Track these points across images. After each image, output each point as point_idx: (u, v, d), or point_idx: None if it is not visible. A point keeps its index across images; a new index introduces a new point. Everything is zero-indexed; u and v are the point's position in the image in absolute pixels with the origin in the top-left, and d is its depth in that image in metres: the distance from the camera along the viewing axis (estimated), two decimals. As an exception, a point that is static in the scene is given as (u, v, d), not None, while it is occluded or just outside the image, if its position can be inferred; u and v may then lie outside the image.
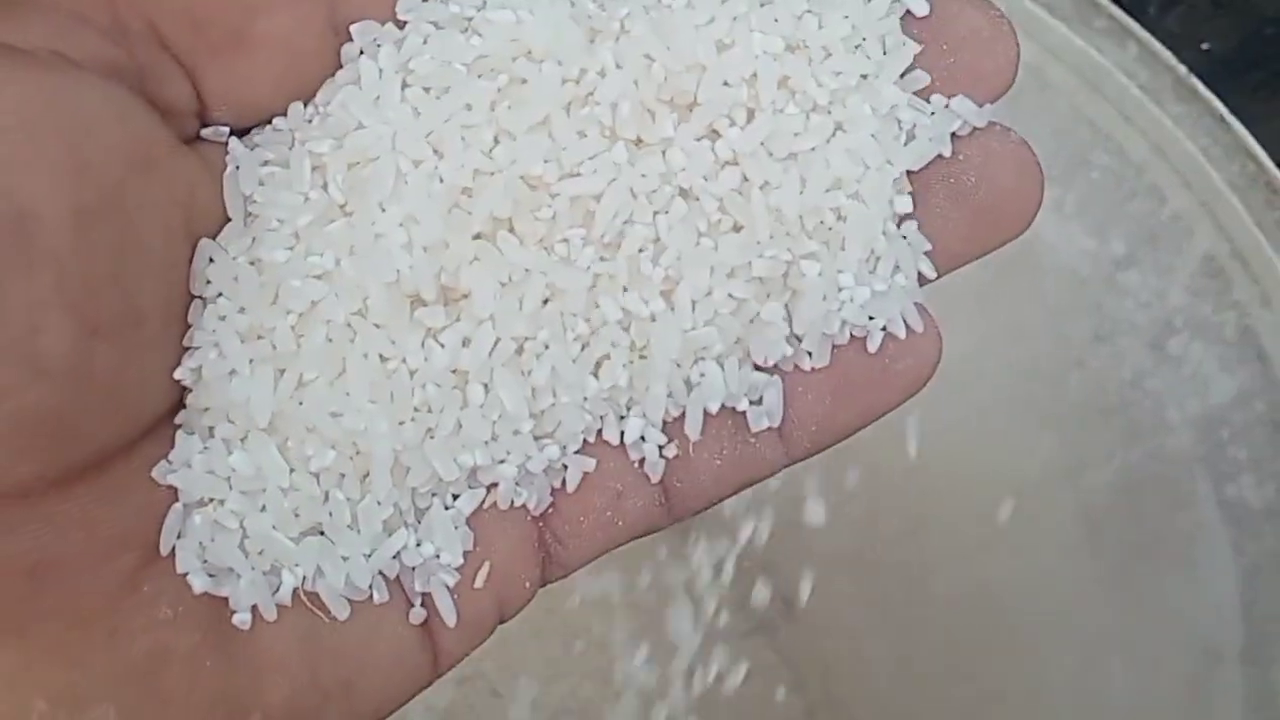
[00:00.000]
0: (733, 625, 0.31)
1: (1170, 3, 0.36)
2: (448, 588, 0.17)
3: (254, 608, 0.17)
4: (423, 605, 0.17)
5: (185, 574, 0.16)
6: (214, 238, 0.17)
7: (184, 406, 0.17)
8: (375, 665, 0.17)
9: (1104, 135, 0.32)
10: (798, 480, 0.29)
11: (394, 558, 0.17)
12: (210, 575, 0.16)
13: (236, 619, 0.16)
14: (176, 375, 0.16)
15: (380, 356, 0.17)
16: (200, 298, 0.17)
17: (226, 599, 0.16)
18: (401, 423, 0.17)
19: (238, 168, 0.17)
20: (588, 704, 0.32)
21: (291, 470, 0.17)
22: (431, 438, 0.17)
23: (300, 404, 0.17)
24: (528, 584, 0.18)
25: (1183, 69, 0.32)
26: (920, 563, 0.33)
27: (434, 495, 0.18)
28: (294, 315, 0.17)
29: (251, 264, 0.17)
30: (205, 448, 0.17)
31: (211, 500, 0.17)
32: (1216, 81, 0.32)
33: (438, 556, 0.17)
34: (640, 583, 0.30)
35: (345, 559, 0.17)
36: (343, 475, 0.17)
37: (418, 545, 0.17)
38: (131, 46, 0.16)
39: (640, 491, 0.18)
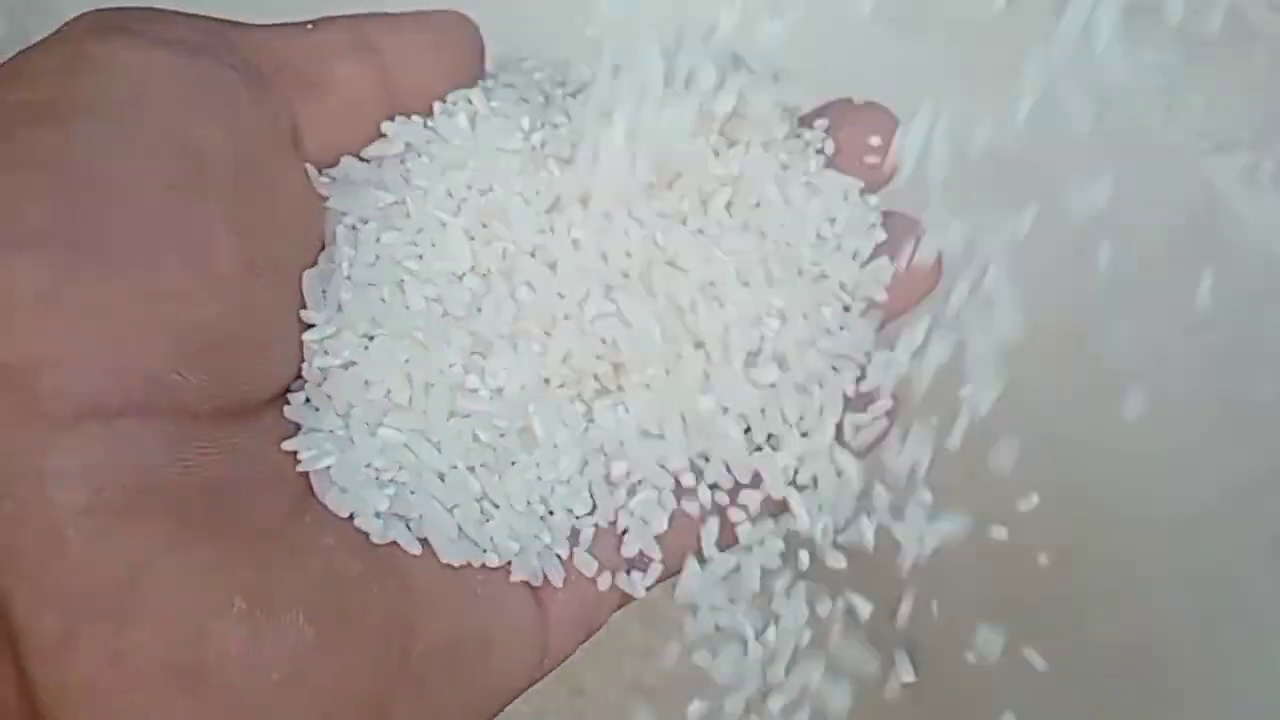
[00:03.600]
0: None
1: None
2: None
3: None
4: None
5: (353, 517, 0.17)
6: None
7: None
8: (506, 626, 0.18)
9: (1312, 90, 0.27)
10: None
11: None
12: (378, 517, 0.18)
13: (410, 548, 0.18)
14: (304, 373, 0.18)
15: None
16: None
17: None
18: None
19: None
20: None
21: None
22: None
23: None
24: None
25: None
26: (1070, 591, 0.28)
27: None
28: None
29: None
30: (344, 424, 0.18)
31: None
32: None
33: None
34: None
35: (489, 520, 0.18)
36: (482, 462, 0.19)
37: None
38: (246, 74, 0.18)
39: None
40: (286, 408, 0.18)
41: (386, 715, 0.17)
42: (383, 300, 0.19)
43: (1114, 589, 0.27)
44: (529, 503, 0.19)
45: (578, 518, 0.19)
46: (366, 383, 0.18)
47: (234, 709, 0.15)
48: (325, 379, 0.18)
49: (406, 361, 0.18)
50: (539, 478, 0.19)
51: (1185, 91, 0.26)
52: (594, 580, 0.19)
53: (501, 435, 0.19)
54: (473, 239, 0.19)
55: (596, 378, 0.19)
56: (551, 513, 0.19)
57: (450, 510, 0.18)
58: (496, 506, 0.19)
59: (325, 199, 0.19)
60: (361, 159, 0.19)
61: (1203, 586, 0.27)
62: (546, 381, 0.19)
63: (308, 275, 0.18)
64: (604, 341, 0.19)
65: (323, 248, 0.19)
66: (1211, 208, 0.27)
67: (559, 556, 0.19)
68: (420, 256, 0.19)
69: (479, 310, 0.19)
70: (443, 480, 0.18)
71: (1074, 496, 0.24)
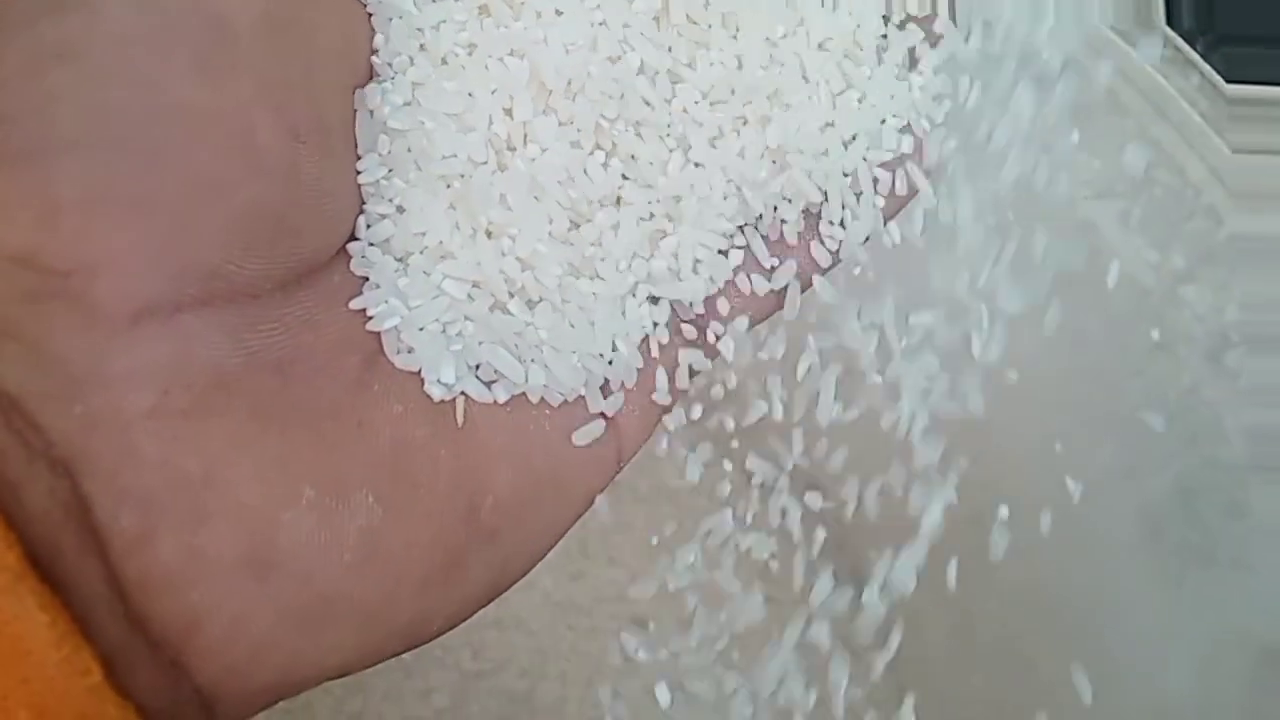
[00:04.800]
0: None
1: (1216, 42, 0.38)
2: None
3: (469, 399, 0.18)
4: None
5: (421, 376, 0.17)
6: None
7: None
8: (575, 455, 0.18)
9: (1167, 156, 0.33)
10: (865, 470, 0.30)
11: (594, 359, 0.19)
12: (441, 384, 0.17)
13: (481, 397, 0.18)
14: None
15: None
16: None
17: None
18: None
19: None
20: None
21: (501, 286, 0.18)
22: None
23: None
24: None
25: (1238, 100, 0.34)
26: (981, 556, 0.33)
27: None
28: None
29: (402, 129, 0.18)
30: (399, 270, 0.18)
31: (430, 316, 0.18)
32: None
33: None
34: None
35: (549, 367, 0.18)
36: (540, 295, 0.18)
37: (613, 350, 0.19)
38: None
39: None
40: (351, 262, 0.17)
41: (459, 571, 0.17)
42: (419, 144, 0.17)
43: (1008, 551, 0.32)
44: (594, 337, 0.18)
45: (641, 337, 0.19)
46: (416, 232, 0.17)
47: (307, 592, 0.15)
48: (380, 223, 0.17)
49: (451, 208, 0.17)
50: (602, 311, 0.18)
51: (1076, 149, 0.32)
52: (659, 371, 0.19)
53: (556, 276, 0.18)
54: (491, 90, 0.18)
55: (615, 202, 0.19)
56: (615, 342, 0.19)
57: (518, 354, 0.18)
58: (574, 343, 0.18)
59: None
60: None
61: (1083, 552, 0.32)
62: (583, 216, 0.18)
63: (359, 119, 0.17)
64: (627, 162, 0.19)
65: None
66: (1093, 244, 0.33)
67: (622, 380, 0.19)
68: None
69: (509, 150, 0.18)
70: (508, 326, 0.18)
71: (980, 468, 0.29)
